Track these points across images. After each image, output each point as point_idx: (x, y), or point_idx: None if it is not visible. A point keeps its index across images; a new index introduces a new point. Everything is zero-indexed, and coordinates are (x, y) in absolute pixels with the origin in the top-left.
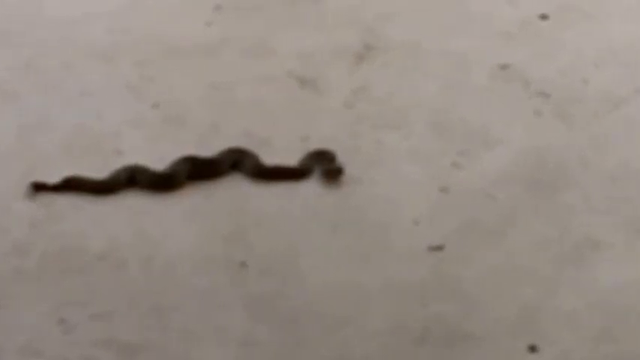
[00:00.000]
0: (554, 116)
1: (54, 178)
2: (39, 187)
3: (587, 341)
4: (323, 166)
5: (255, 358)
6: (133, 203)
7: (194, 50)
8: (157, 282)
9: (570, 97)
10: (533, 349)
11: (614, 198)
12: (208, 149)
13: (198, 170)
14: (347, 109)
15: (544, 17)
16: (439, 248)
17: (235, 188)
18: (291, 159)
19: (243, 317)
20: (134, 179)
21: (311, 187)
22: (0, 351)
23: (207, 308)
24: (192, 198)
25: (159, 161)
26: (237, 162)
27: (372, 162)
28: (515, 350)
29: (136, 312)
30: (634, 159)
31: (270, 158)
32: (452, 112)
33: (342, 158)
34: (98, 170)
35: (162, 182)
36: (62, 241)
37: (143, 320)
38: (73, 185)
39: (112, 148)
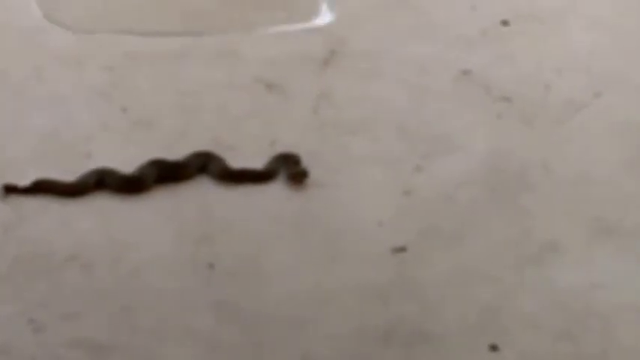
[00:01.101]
0: (515, 121)
1: (24, 181)
2: (9, 190)
3: (547, 341)
4: (288, 169)
5: (221, 359)
6: (102, 206)
7: (162, 55)
8: (126, 283)
9: (532, 103)
10: (494, 348)
11: (574, 201)
12: (176, 153)
13: (165, 173)
14: (312, 113)
15: (505, 23)
16: (402, 250)
17: (202, 191)
18: (257, 163)
19: (211, 319)
20: (103, 182)
21: (276, 191)
22: None
23: (175, 309)
24: (160, 201)
25: (127, 164)
26: (204, 165)
27: (336, 166)
28: (477, 350)
29: (106, 313)
30: (594, 163)
31: (236, 162)
32: (415, 116)
33: (307, 162)
34: (68, 173)
35: (130, 185)
36: (32, 243)
37: (112, 321)
38: (43, 188)
39: (82, 152)
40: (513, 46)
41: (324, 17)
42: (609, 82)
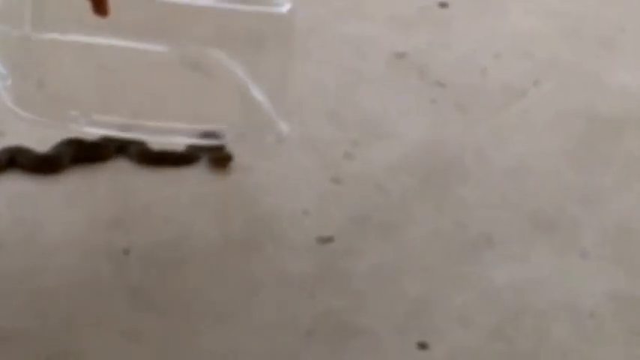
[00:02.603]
0: (450, 107)
1: None
2: None
3: (479, 339)
4: (211, 153)
5: (137, 350)
6: (14, 186)
7: (82, 30)
8: (37, 268)
9: (468, 88)
10: (423, 345)
11: (510, 193)
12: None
13: (82, 153)
14: (238, 95)
15: (443, 5)
16: (329, 240)
17: (120, 173)
18: (179, 145)
19: (126, 306)
20: (15, 161)
21: (198, 174)
22: None
23: (88, 296)
24: (75, 182)
25: (42, 143)
26: (122, 146)
27: (263, 150)
28: (405, 346)
29: (14, 297)
30: (531, 153)
31: (157, 143)
32: (346, 100)
33: (232, 145)
34: None
35: (44, 165)
36: None
37: (21, 306)
38: None
39: None
40: (450, 29)
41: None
42: (550, 69)
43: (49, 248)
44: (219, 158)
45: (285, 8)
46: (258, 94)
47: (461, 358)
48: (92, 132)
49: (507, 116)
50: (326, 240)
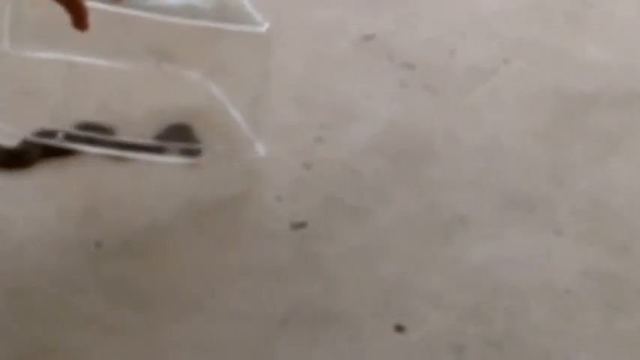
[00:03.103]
0: (420, 89)
1: None
2: None
3: (455, 320)
4: (180, 142)
5: (113, 342)
6: None
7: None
8: (9, 264)
9: (436, 69)
10: (399, 328)
11: (482, 173)
12: (62, 125)
13: (51, 148)
14: (206, 83)
15: None
16: (302, 226)
17: (90, 166)
18: (147, 134)
19: (101, 299)
20: None
21: (168, 165)
22: None
23: (62, 291)
24: (45, 176)
25: (9, 137)
26: (92, 138)
27: (232, 137)
28: (382, 330)
29: None
30: (502, 132)
31: (126, 133)
32: (314, 84)
33: (201, 133)
34: None
35: (14, 159)
36: None
37: None
38: None
39: None
40: (417, 11)
41: None
42: (518, 48)
43: (21, 243)
44: (189, 150)
45: (264, 28)
46: (235, 113)
47: (438, 340)
48: (69, 147)
49: (477, 96)
50: (299, 225)
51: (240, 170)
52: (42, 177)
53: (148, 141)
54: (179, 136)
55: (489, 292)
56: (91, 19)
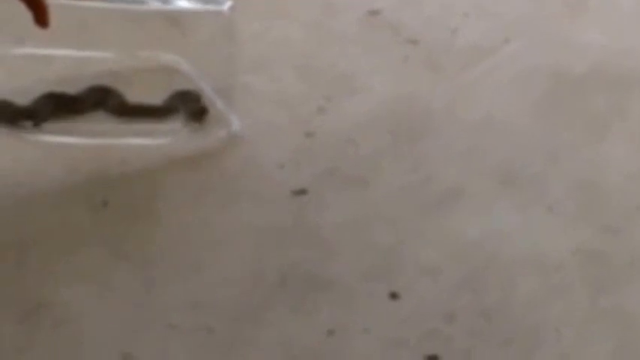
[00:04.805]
0: (421, 65)
1: None
2: None
3: (447, 290)
4: (187, 106)
5: (112, 300)
6: None
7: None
8: (16, 219)
9: (439, 46)
10: (393, 296)
11: (478, 148)
12: (72, 86)
13: (61, 107)
14: (213, 51)
15: None
16: (302, 193)
17: (98, 126)
18: (156, 99)
19: (102, 258)
20: None
21: (174, 128)
22: None
23: (65, 247)
24: (55, 135)
25: (22, 96)
26: (100, 99)
27: (237, 105)
28: (376, 297)
29: None
30: (499, 110)
31: (135, 97)
32: (319, 57)
33: (206, 101)
34: None
35: (23, 117)
36: None
37: None
38: None
39: None
40: None
41: None
42: (518, 28)
43: (29, 200)
44: (195, 111)
45: (225, 6)
46: (209, 91)
47: (430, 307)
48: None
49: (476, 74)
50: (299, 192)
51: (244, 137)
52: (51, 136)
53: (156, 103)
54: (186, 101)
55: (481, 264)
56: (56, 13)
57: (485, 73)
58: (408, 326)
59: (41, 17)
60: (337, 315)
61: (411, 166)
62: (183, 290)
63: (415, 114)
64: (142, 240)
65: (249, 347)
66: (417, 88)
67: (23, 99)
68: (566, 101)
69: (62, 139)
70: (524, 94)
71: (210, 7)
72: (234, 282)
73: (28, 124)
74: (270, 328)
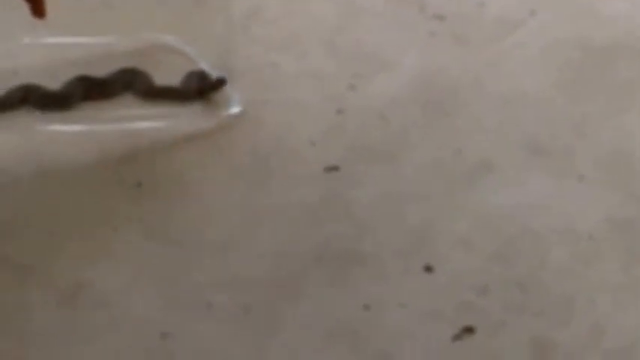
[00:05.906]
0: (449, 39)
1: None
2: None
3: (480, 262)
4: (204, 82)
5: (147, 279)
6: (27, 123)
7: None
8: (51, 202)
9: (466, 21)
10: (428, 269)
11: (507, 120)
12: (100, 69)
13: (92, 90)
14: (240, 29)
15: None
16: (334, 169)
17: (127, 109)
18: (172, 80)
19: (138, 238)
20: (28, 98)
21: (202, 109)
22: None
23: (101, 228)
24: (86, 118)
25: (54, 81)
26: (129, 82)
27: (266, 84)
28: (410, 271)
29: (30, 232)
30: (527, 82)
31: (160, 80)
32: (347, 34)
33: (234, 81)
34: None
35: (56, 102)
36: None
37: (36, 241)
38: None
39: (8, 68)
40: None
41: None
42: (545, 1)
43: (63, 183)
44: (214, 83)
45: None
46: (209, 71)
47: (464, 279)
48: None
49: (504, 47)
50: (332, 169)
51: (275, 115)
52: (82, 119)
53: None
54: (202, 78)
55: (513, 235)
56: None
57: (512, 46)
58: (442, 299)
59: (38, 8)
60: (373, 289)
61: (442, 140)
62: (219, 269)
63: (444, 89)
64: (177, 219)
65: (286, 324)
66: (445, 63)
67: (55, 83)
68: (593, 72)
69: (92, 124)
70: (551, 66)
71: None
72: (269, 259)
73: (59, 108)
74: (306, 304)
